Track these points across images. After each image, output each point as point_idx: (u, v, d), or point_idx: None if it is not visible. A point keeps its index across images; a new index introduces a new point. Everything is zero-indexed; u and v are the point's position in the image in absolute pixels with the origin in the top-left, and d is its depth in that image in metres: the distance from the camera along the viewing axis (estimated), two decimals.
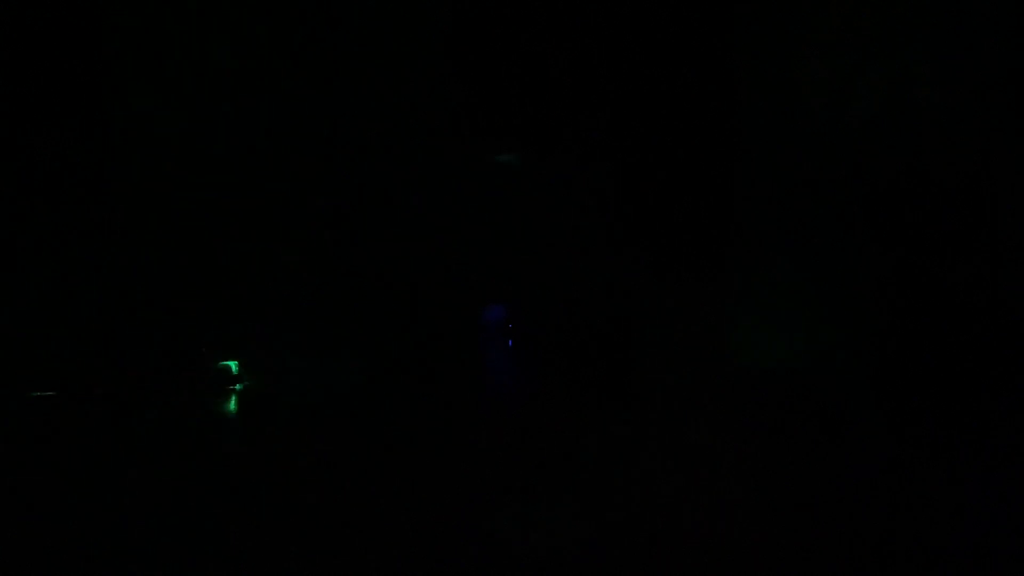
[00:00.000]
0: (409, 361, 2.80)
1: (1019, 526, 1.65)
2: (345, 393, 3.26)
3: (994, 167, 2.13)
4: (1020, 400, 2.05)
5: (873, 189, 2.21)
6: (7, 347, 3.24)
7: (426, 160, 2.72)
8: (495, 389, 3.53)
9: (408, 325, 3.00)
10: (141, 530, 1.66)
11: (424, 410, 2.68)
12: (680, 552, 1.53)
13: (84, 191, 2.95)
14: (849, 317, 2.21)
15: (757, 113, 2.16)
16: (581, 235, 2.04)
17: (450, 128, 2.31)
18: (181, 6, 3.30)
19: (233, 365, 3.46)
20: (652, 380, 2.23)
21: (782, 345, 2.20)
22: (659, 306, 2.03)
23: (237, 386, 3.43)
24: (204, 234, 3.35)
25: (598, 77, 1.84)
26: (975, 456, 1.96)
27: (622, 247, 1.93)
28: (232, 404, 3.20)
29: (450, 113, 2.29)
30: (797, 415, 2.13)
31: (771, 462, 1.98)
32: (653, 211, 1.89)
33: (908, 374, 2.16)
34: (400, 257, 2.68)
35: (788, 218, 2.23)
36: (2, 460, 2.29)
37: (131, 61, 3.13)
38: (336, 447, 2.33)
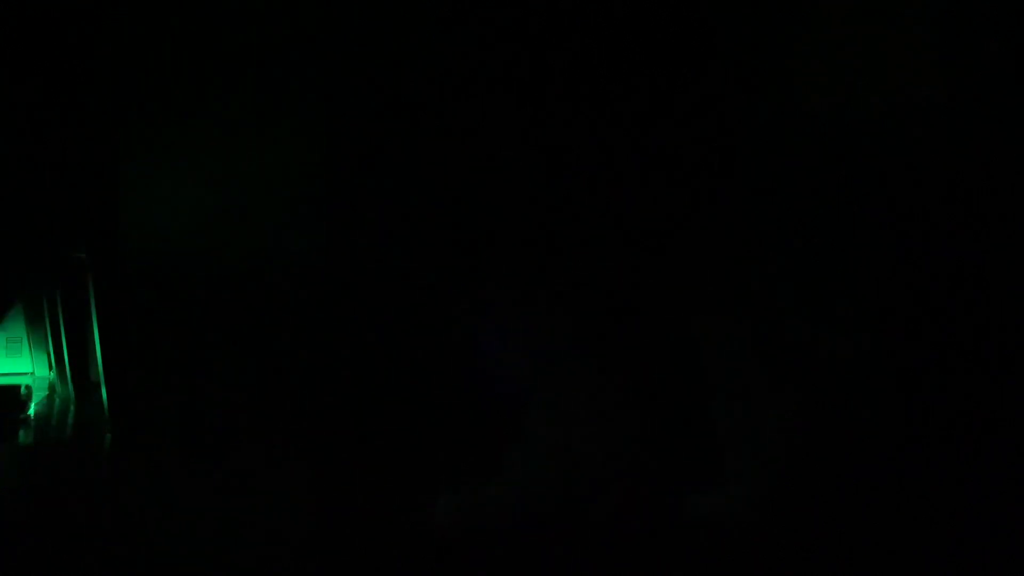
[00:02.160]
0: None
1: (1019, 526, 1.66)
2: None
3: (994, 167, 2.14)
4: (1020, 400, 2.05)
5: (873, 189, 2.22)
6: None
7: (423, 158, 2.71)
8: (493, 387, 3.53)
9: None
10: None
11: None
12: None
13: None
14: (847, 316, 2.21)
15: (756, 113, 2.16)
16: (578, 234, 2.04)
17: (447, 125, 2.32)
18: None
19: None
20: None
21: (781, 341, 2.20)
22: (658, 304, 2.03)
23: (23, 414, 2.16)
24: None
25: (596, 76, 1.84)
26: (975, 456, 1.97)
27: (618, 246, 1.93)
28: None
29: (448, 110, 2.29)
30: (795, 414, 2.13)
31: (770, 461, 1.97)
32: (649, 210, 1.88)
33: (908, 373, 2.16)
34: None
35: (786, 217, 2.23)
36: None
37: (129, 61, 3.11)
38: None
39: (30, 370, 2.96)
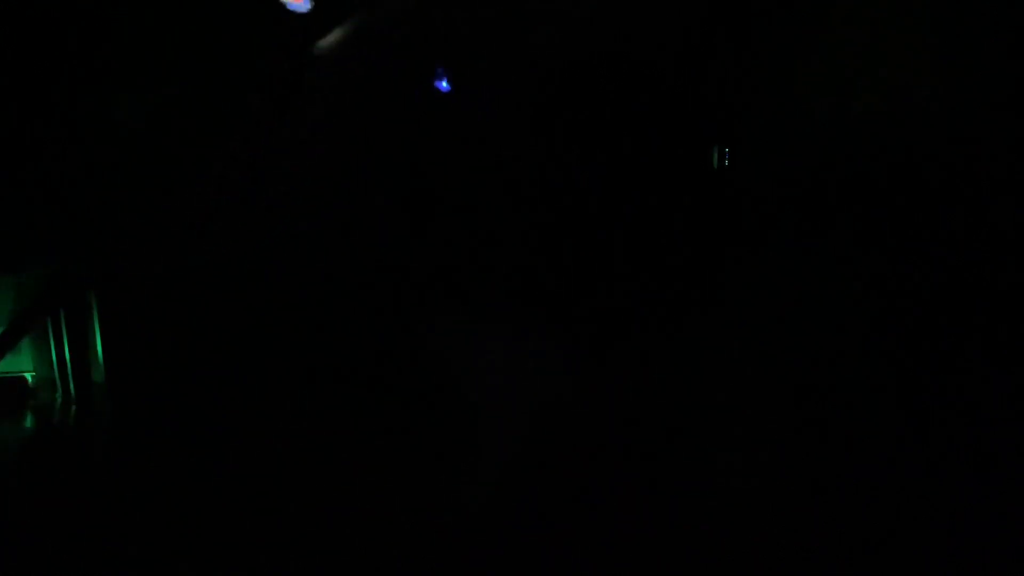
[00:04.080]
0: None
1: (1019, 526, 1.65)
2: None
3: (994, 167, 2.13)
4: (1020, 400, 2.04)
5: (872, 189, 2.21)
6: None
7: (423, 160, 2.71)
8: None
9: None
10: None
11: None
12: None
13: None
14: (847, 317, 2.21)
15: (755, 113, 2.16)
16: (573, 236, 2.05)
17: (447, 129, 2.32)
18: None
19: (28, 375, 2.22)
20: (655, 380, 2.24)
21: (780, 343, 2.20)
22: (659, 305, 2.03)
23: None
24: None
25: (595, 75, 1.84)
26: (975, 456, 1.96)
27: (614, 249, 1.93)
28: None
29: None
30: (795, 415, 2.13)
31: (766, 461, 1.97)
32: (647, 212, 1.88)
33: (907, 374, 2.16)
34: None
35: (786, 218, 2.23)
36: None
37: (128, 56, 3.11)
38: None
39: (31, 369, 2.98)
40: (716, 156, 2.14)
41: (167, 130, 2.67)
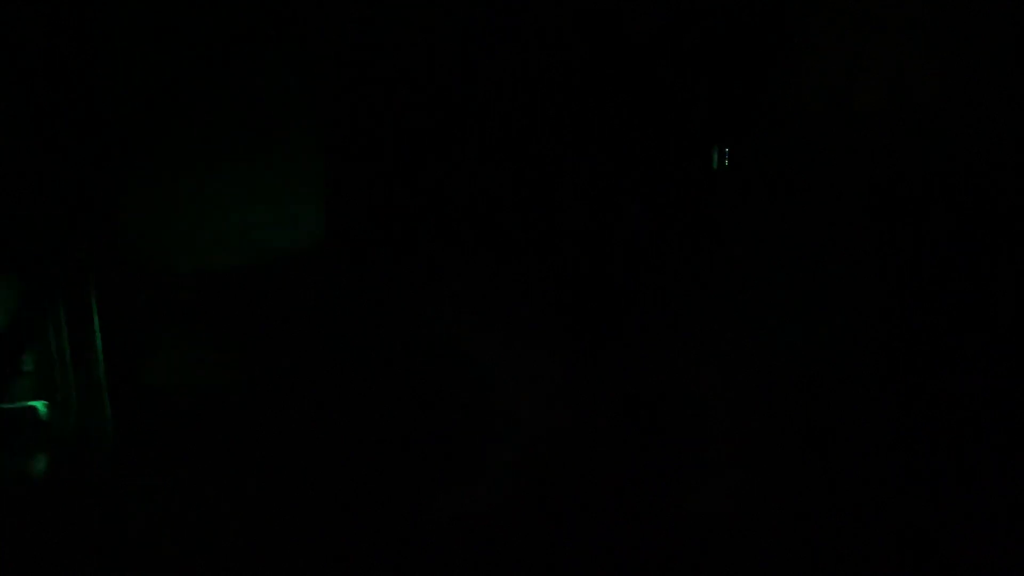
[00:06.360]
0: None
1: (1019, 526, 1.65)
2: None
3: (994, 167, 2.13)
4: (1020, 400, 2.05)
5: (873, 189, 2.22)
6: None
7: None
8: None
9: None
10: None
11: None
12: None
13: None
14: (847, 318, 2.21)
15: (753, 112, 2.16)
16: (566, 236, 2.04)
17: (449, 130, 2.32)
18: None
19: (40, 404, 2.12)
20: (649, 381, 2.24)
21: (779, 345, 2.20)
22: (655, 304, 2.03)
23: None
24: None
25: (593, 75, 1.84)
26: (975, 456, 1.96)
27: (610, 250, 1.93)
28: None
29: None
30: (795, 416, 2.13)
31: (766, 463, 1.98)
32: (646, 213, 1.89)
33: (907, 375, 2.16)
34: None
35: (784, 218, 2.23)
36: None
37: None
38: None
39: (32, 370, 2.97)
40: (716, 156, 2.14)
41: (169, 128, 2.67)
